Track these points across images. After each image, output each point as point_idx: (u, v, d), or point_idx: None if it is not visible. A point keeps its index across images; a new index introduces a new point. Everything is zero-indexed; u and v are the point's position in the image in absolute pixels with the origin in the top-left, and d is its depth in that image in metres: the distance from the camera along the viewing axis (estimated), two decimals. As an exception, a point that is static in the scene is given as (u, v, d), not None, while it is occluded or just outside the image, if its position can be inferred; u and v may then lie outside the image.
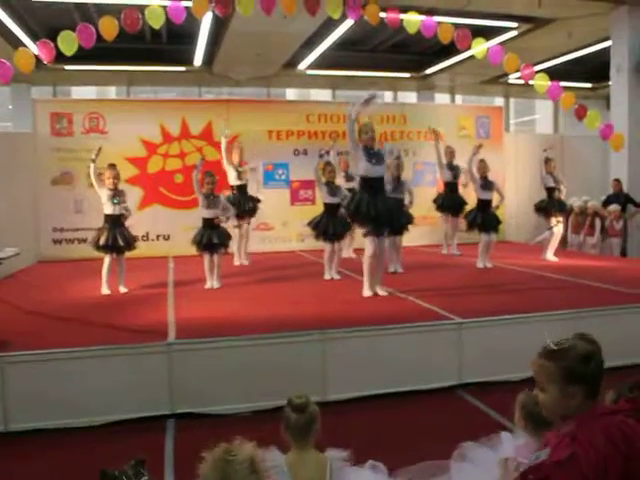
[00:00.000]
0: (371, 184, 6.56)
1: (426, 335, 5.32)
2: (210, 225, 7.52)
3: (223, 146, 9.46)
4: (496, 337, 5.41)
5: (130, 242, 7.37)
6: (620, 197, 10.97)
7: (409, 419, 4.71)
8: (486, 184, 8.61)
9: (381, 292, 6.80)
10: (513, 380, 5.11)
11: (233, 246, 8.81)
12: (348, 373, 5.02)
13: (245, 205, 9.35)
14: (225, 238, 7.66)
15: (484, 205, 8.66)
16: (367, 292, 6.77)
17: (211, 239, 7.47)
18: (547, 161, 9.27)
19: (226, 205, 7.86)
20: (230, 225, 8.55)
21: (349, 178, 9.27)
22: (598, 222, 11.04)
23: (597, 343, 1.98)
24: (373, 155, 6.53)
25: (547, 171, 9.25)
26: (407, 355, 5.17)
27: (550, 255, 9.48)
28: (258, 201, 9.60)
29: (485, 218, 8.64)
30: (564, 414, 1.95)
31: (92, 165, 7.30)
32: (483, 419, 4.60)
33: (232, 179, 9.35)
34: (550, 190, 9.28)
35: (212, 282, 7.59)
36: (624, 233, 11.06)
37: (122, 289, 7.36)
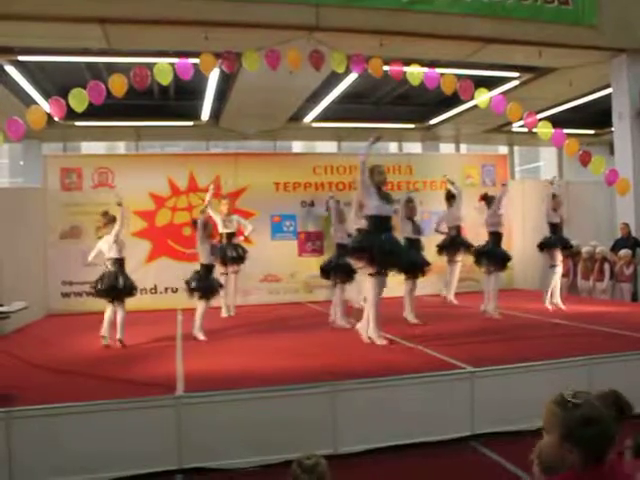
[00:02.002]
0: (381, 223, 6.68)
1: (437, 385, 5.24)
2: (208, 271, 7.64)
3: (207, 200, 9.59)
4: (509, 386, 5.32)
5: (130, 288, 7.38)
6: (629, 241, 10.92)
7: (422, 472, 4.60)
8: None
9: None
10: (527, 430, 5.02)
11: (220, 299, 8.86)
12: (359, 425, 4.93)
13: (231, 253, 9.53)
14: (217, 285, 7.76)
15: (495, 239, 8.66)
16: (380, 340, 6.70)
17: (206, 284, 7.55)
18: (554, 197, 9.16)
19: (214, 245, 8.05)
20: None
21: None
22: (607, 267, 10.97)
23: (606, 409, 1.95)
24: (384, 195, 6.72)
25: (553, 207, 9.13)
26: (418, 406, 5.09)
27: (558, 301, 9.32)
28: (245, 251, 9.72)
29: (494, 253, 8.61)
30: (558, 467, 1.92)
31: (120, 208, 7.43)
32: (497, 471, 4.48)
33: (220, 227, 9.57)
34: (554, 226, 9.16)
35: (203, 335, 7.55)
36: (634, 278, 10.97)
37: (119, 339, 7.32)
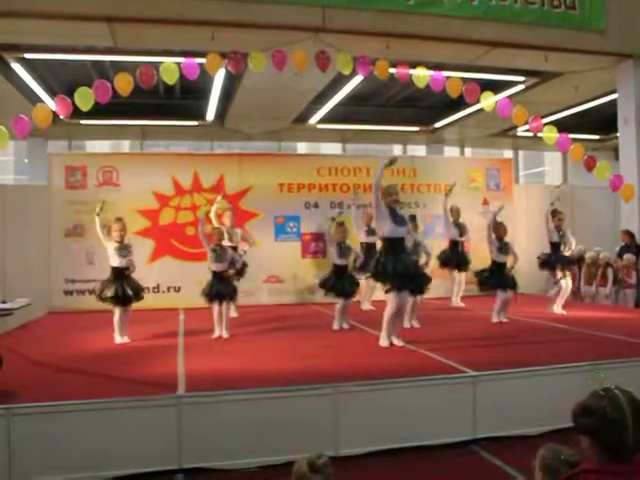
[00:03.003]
0: (394, 244, 6.67)
1: (439, 389, 5.22)
2: (219, 277, 7.64)
3: (213, 212, 9.57)
4: (511, 390, 5.30)
5: (137, 293, 7.43)
6: (631, 248, 10.88)
7: (423, 475, 4.59)
8: (503, 247, 8.37)
9: (397, 342, 6.78)
10: (529, 435, 5.02)
11: None
12: (360, 427, 4.92)
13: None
14: (233, 289, 7.85)
15: (499, 267, 8.41)
16: (384, 342, 6.76)
17: (220, 290, 7.59)
18: (554, 214, 9.06)
19: (234, 257, 7.95)
20: None
21: (371, 232, 9.34)
22: (610, 273, 10.93)
23: (621, 404, 1.94)
24: (397, 216, 6.64)
25: (555, 225, 9.01)
26: (420, 409, 5.07)
27: (558, 308, 9.28)
28: (245, 265, 9.63)
29: (501, 278, 8.39)
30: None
31: (97, 218, 7.46)
32: (498, 475, 4.46)
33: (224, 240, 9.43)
34: (554, 245, 9.06)
35: (220, 331, 7.60)
36: (637, 284, 10.93)
37: (125, 339, 7.41)
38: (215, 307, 7.65)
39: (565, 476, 2.01)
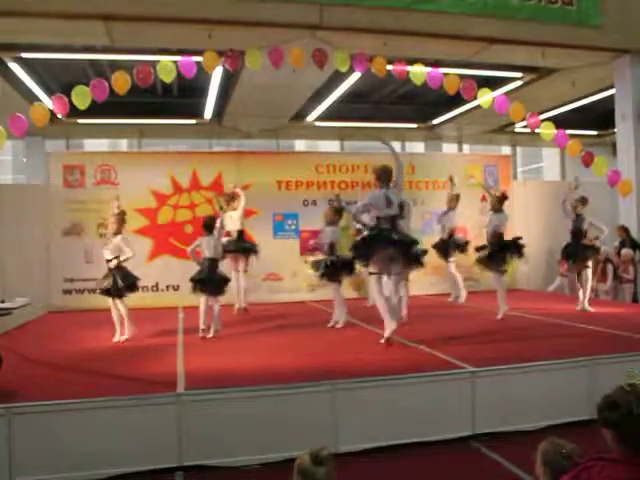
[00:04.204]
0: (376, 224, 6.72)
1: (439, 385, 5.24)
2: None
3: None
4: (510, 386, 5.32)
5: (130, 283, 7.35)
6: (626, 243, 10.88)
7: (422, 472, 4.60)
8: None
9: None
10: (528, 430, 5.03)
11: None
12: (359, 424, 4.93)
13: (237, 246, 9.59)
14: (218, 280, 7.69)
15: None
16: (388, 331, 6.71)
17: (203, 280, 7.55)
18: (584, 201, 8.94)
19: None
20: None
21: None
22: (610, 268, 10.94)
23: None
24: (384, 197, 6.71)
25: (576, 213, 8.92)
26: (419, 405, 5.09)
27: (586, 305, 8.98)
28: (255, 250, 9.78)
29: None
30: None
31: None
32: (498, 471, 4.47)
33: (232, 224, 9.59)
34: (575, 233, 8.95)
35: (206, 331, 7.55)
36: (635, 279, 10.93)
37: (119, 337, 7.40)
38: (201, 299, 7.61)
39: (585, 462, 2.01)
